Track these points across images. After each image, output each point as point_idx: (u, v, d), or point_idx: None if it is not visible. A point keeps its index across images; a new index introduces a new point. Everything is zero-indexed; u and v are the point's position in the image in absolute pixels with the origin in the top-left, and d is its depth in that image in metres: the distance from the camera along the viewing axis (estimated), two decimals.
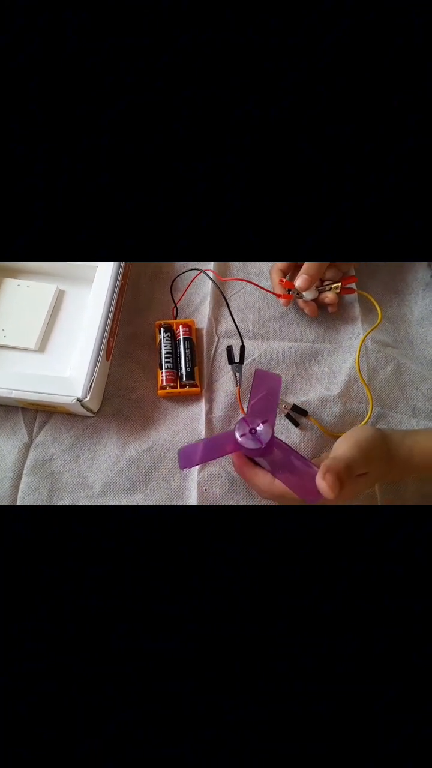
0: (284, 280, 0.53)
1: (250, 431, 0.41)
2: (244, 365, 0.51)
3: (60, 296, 0.55)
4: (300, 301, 0.55)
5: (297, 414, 0.51)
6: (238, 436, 0.42)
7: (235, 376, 0.50)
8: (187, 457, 0.45)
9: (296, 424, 0.50)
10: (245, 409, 0.50)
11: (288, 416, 0.51)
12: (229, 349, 0.52)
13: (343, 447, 0.39)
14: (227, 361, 0.52)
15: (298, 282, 0.52)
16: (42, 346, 0.53)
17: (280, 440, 0.42)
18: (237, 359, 0.51)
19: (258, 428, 0.41)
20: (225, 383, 0.53)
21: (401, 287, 0.59)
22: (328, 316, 0.56)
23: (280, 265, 0.55)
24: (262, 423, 0.41)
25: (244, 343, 0.52)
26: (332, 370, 0.54)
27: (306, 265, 0.52)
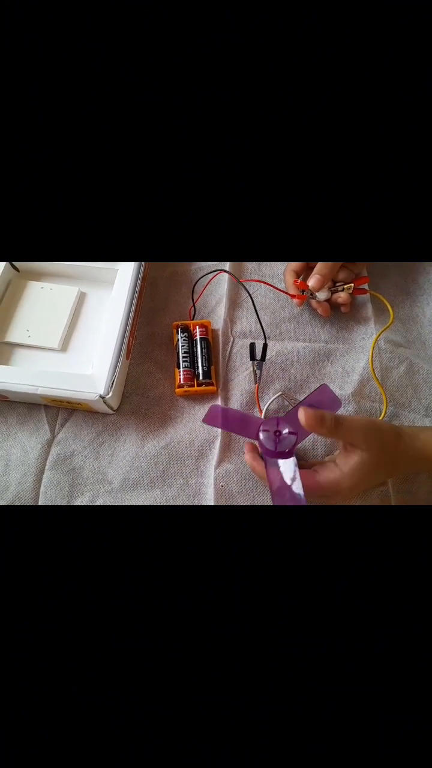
0: (298, 281, 0.55)
1: (275, 433, 0.42)
2: (265, 352, 0.53)
3: (81, 298, 0.57)
4: (313, 302, 0.56)
5: None
6: (261, 429, 0.43)
7: (255, 373, 0.51)
8: (214, 417, 0.47)
9: None
10: (262, 407, 0.52)
11: None
12: (252, 345, 0.53)
13: (358, 433, 0.42)
14: (249, 357, 0.54)
15: (311, 282, 0.53)
16: (64, 346, 0.55)
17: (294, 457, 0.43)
18: (258, 356, 0.52)
19: (283, 434, 0.42)
20: (240, 382, 0.54)
21: (413, 288, 0.60)
22: (341, 316, 0.58)
23: (293, 266, 0.56)
24: (291, 434, 0.42)
25: (257, 344, 0.53)
26: (345, 369, 0.55)
27: (318, 266, 0.54)
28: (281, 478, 0.42)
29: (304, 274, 0.56)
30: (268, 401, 0.52)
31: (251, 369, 0.53)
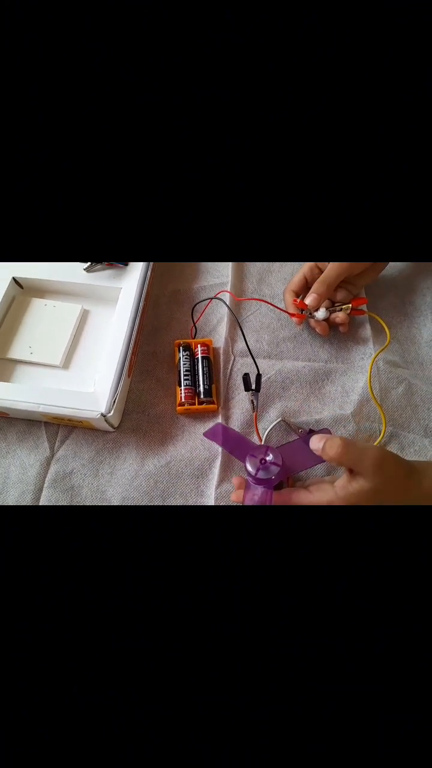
0: (298, 300, 0.56)
1: (261, 460, 0.43)
2: (260, 383, 0.53)
3: (84, 316, 0.58)
4: (312, 321, 0.57)
5: None
6: (250, 453, 0.43)
7: (252, 402, 0.52)
8: (215, 434, 0.48)
9: None
10: (262, 434, 0.52)
11: (305, 441, 0.52)
12: (246, 377, 0.54)
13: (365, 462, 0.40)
14: (243, 388, 0.54)
15: (308, 300, 0.55)
16: (66, 363, 0.55)
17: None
18: (253, 386, 0.53)
19: (268, 460, 0.43)
20: (241, 401, 0.54)
21: (410, 310, 0.61)
22: (340, 336, 0.58)
23: (292, 286, 0.58)
24: (273, 465, 0.42)
25: (258, 363, 0.54)
26: (345, 389, 0.55)
27: (315, 285, 0.55)
28: (251, 500, 0.43)
29: (303, 294, 0.58)
30: (269, 427, 0.52)
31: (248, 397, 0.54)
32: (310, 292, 0.55)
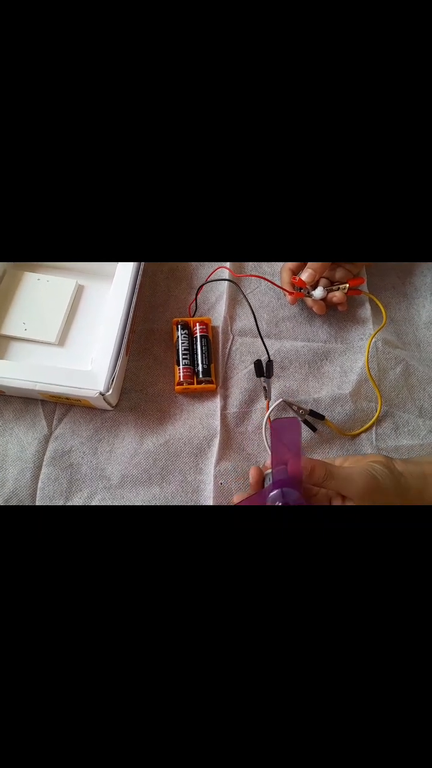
0: (296, 278, 0.55)
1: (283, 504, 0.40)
2: (271, 369, 0.53)
3: (79, 291, 0.56)
4: (309, 300, 0.56)
5: (314, 418, 0.52)
6: (283, 486, 0.40)
7: (264, 389, 0.52)
8: (282, 428, 0.41)
9: (314, 429, 0.52)
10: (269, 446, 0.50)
11: (305, 421, 0.52)
12: (258, 363, 0.53)
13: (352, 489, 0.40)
14: (242, 369, 0.54)
15: (304, 276, 0.54)
16: (62, 341, 0.54)
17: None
18: (265, 373, 0.53)
19: (285, 502, 0.40)
20: (239, 380, 0.55)
21: (410, 290, 0.61)
22: (339, 316, 0.58)
23: (290, 265, 0.57)
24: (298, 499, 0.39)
25: (257, 342, 0.53)
26: (344, 369, 0.55)
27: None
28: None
29: (300, 272, 0.57)
30: (269, 410, 0.52)
31: (251, 368, 0.54)
32: (306, 267, 0.55)
